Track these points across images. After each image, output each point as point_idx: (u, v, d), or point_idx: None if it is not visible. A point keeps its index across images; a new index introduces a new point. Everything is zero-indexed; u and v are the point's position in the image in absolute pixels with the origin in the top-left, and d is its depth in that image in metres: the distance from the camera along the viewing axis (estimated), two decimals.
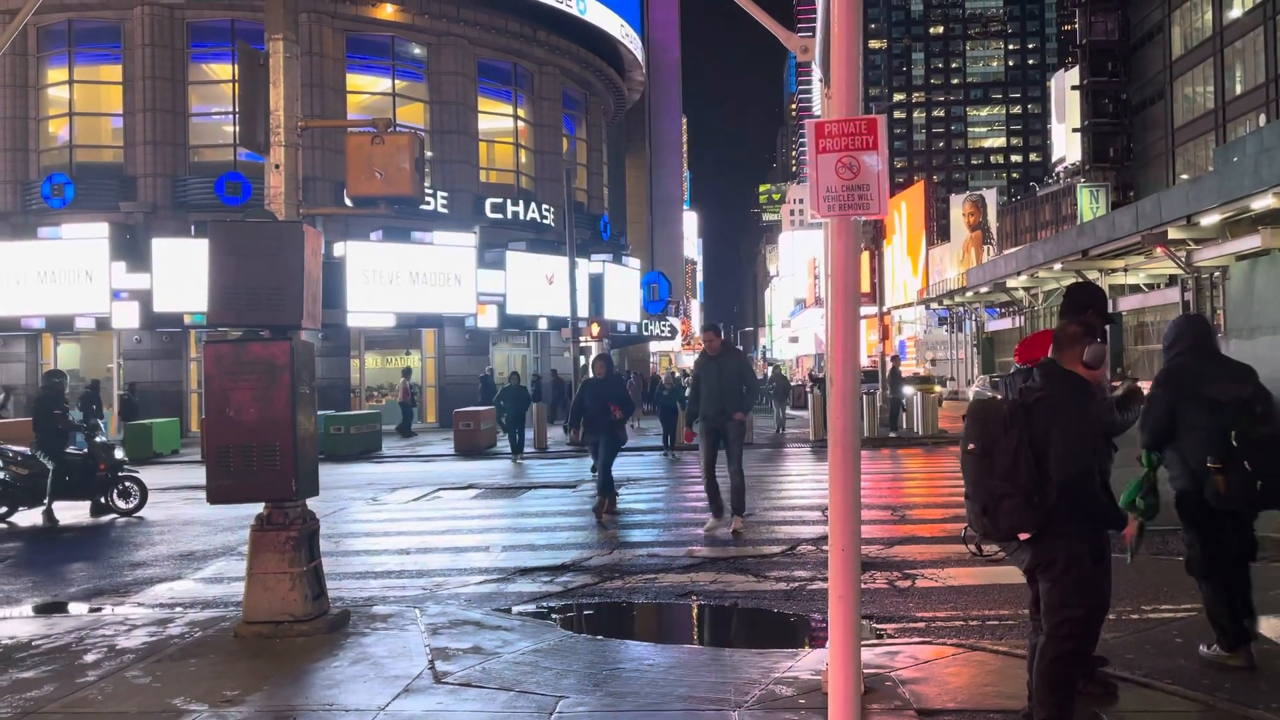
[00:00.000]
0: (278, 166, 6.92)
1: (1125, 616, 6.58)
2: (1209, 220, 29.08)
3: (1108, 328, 5.04)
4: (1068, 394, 4.08)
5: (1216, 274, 34.92)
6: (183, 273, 25.78)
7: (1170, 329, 5.63)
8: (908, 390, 31.04)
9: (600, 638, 6.63)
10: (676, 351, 73.11)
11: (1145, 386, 5.37)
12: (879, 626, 6.74)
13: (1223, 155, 33.23)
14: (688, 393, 11.58)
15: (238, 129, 7.55)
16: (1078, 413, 4.05)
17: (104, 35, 30.07)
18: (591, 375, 12.97)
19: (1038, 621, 4.40)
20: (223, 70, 30.50)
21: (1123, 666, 5.28)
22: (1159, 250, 32.28)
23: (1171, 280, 39.50)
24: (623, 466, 19.15)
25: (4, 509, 12.85)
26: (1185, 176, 50.16)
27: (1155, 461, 5.45)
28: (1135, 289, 43.67)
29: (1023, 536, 4.05)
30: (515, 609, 7.47)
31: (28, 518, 12.86)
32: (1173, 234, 31.05)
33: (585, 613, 7.53)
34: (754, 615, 7.31)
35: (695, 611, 7.54)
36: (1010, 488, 3.98)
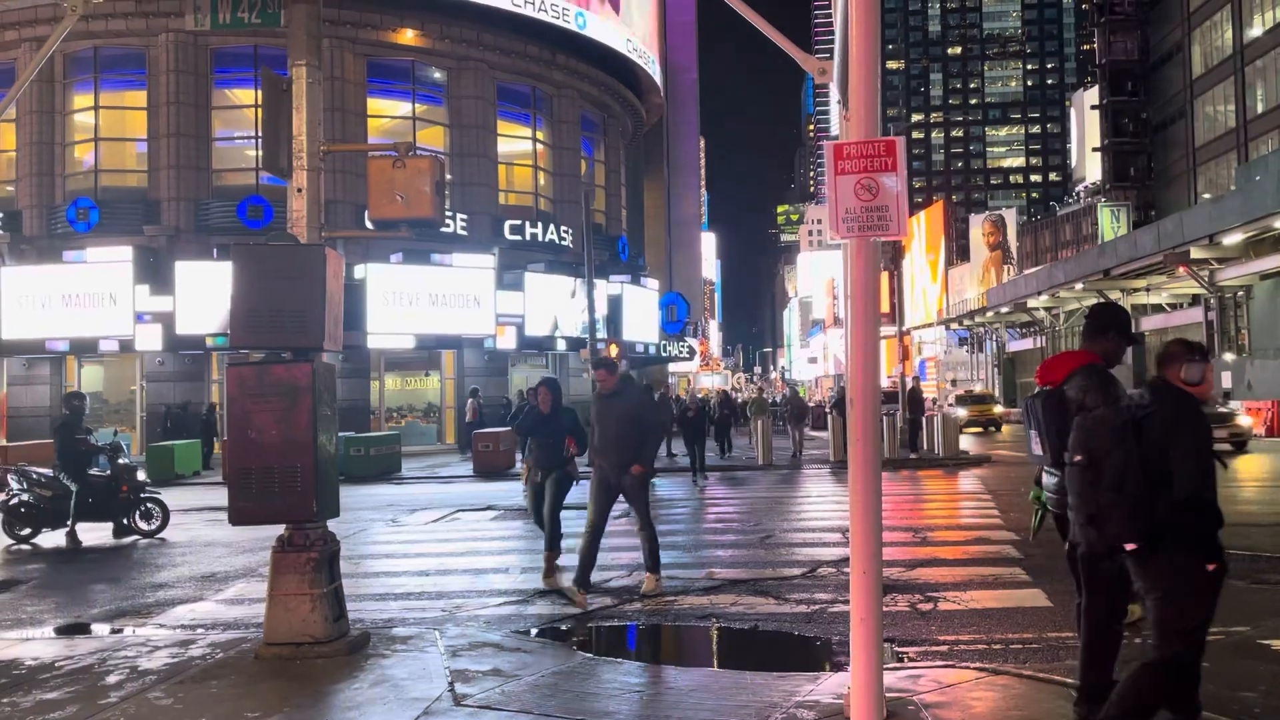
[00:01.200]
0: (300, 190, 6.98)
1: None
2: (1232, 239, 28.91)
3: (1131, 348, 5.04)
4: (1184, 410, 4.12)
5: (1240, 293, 34.65)
6: (205, 295, 26.01)
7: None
8: (960, 412, 30.89)
9: (620, 660, 6.60)
10: (695, 372, 73.10)
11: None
12: (901, 650, 6.68)
13: (1245, 174, 33.04)
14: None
15: (260, 153, 7.63)
16: (1195, 428, 4.08)
17: (129, 62, 30.52)
18: (532, 403, 10.57)
19: (1078, 582, 4.84)
20: (245, 95, 30.86)
21: None
22: (1181, 270, 32.10)
23: (1194, 300, 39.23)
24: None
25: (28, 530, 12.95)
26: (1207, 196, 49.87)
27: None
28: (1158, 309, 43.38)
29: (1129, 547, 4.08)
30: (534, 631, 7.45)
31: (51, 539, 12.94)
32: (1195, 253, 30.88)
33: (605, 635, 7.50)
34: (775, 638, 7.26)
35: (716, 634, 7.49)
36: (1118, 498, 4.03)
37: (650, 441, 8.72)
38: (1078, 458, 4.20)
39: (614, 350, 29.13)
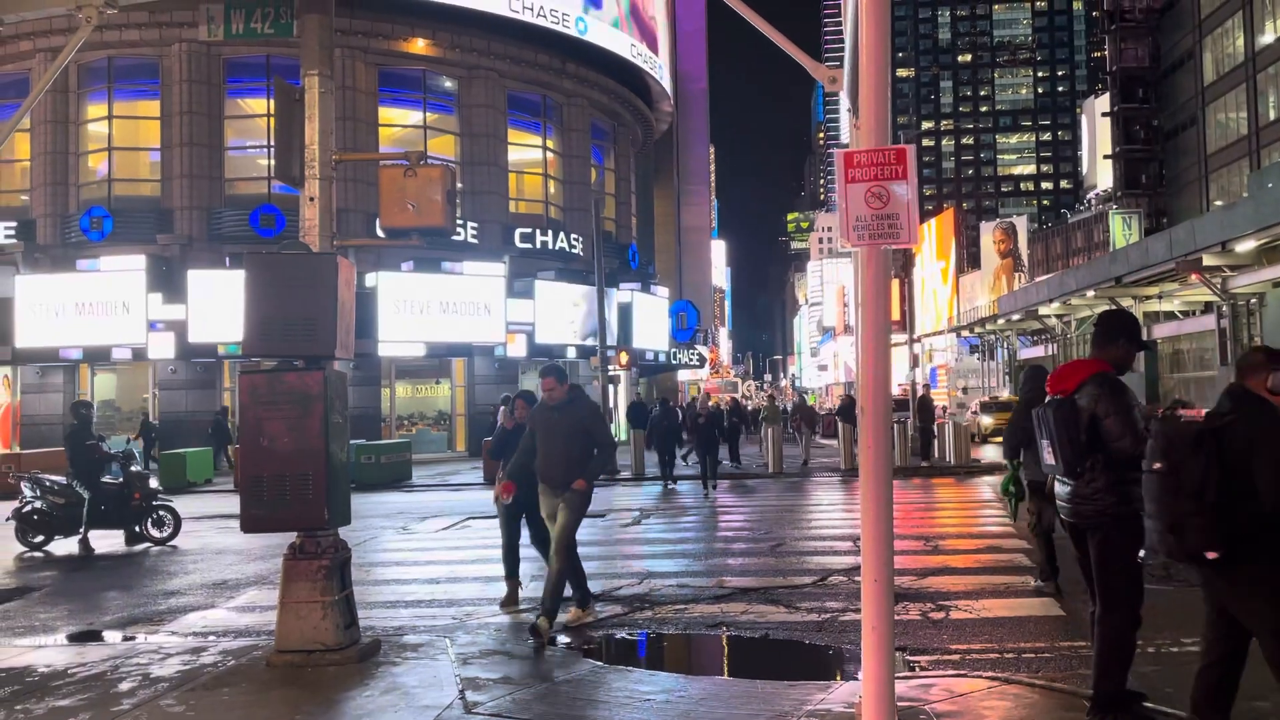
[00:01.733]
0: (312, 199, 7.01)
1: (1164, 649, 6.47)
2: (1244, 246, 28.76)
3: (1141, 354, 5.03)
4: (1266, 421, 4.09)
5: (1253, 300, 34.46)
6: (217, 304, 26.14)
7: (1025, 376, 8.99)
8: (985, 420, 30.51)
9: (630, 668, 6.59)
10: (705, 380, 73.04)
11: (1190, 414, 5.39)
12: (912, 659, 6.66)
13: (1257, 181, 32.91)
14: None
15: (273, 163, 7.67)
16: (1276, 439, 4.04)
17: (143, 72, 30.73)
18: (502, 418, 9.89)
19: (1092, 590, 4.95)
20: (258, 105, 31.04)
21: (1161, 700, 5.17)
22: (1193, 277, 31.94)
23: (1207, 307, 39.01)
24: (652, 496, 19.13)
25: (41, 538, 13.01)
26: (1219, 203, 49.69)
27: (1016, 465, 8.95)
28: (1170, 316, 43.18)
29: (1210, 555, 4.07)
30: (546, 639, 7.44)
31: (64, 546, 13.00)
32: (1207, 260, 30.73)
33: (615, 643, 7.49)
34: (786, 647, 7.24)
35: (726, 643, 7.48)
36: (1198, 506, 4.02)
37: (600, 457, 7.84)
38: (1156, 465, 4.17)
39: (624, 358, 29.19)
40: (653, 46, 41.80)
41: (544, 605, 7.33)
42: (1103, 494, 4.82)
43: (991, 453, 26.21)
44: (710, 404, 32.96)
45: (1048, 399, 5.14)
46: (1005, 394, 53.90)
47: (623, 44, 38.89)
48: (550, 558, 7.66)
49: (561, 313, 32.94)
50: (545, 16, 34.04)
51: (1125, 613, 4.83)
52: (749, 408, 49.96)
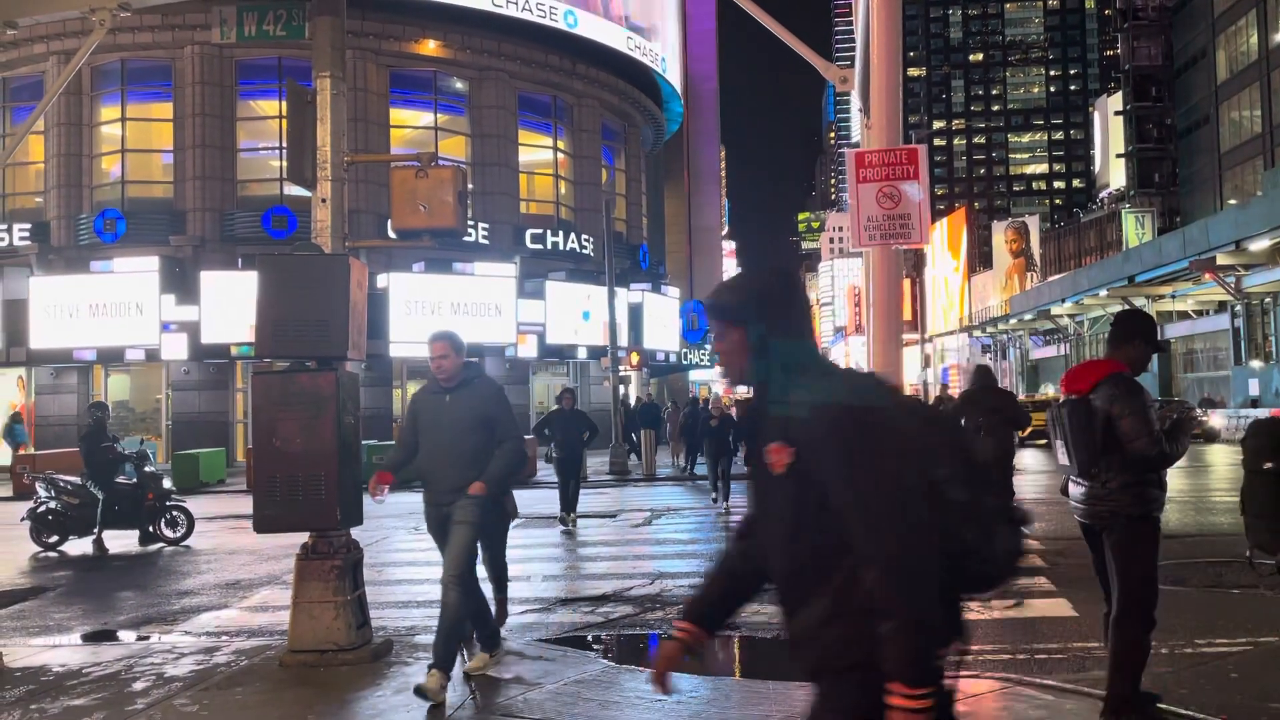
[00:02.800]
0: (324, 201, 7.04)
1: (1178, 650, 6.43)
2: (1258, 245, 28.63)
3: (1156, 355, 4.99)
4: None
5: (1267, 300, 34.29)
6: (230, 305, 26.24)
7: (974, 372, 11.68)
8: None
9: (641, 669, 6.60)
10: (715, 380, 72.96)
11: (1201, 415, 5.37)
12: None
13: (1272, 179, 32.73)
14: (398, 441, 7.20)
15: (285, 164, 7.68)
16: None
17: (155, 74, 30.86)
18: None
19: (1106, 591, 4.96)
20: (270, 107, 31.15)
21: (1175, 702, 5.15)
22: (1207, 276, 31.83)
23: (1221, 306, 38.84)
24: (663, 497, 19.12)
25: (56, 538, 13.09)
26: (1233, 201, 49.42)
27: None
28: (1183, 315, 42.98)
29: None
30: (556, 639, 7.45)
31: (78, 546, 13.07)
32: (1221, 259, 30.61)
33: (626, 644, 7.50)
34: None
35: (737, 643, 7.48)
36: None
37: (510, 453, 6.01)
38: (1266, 464, 4.16)
39: (635, 358, 29.15)
40: (648, 36, 40.68)
41: (435, 654, 5.73)
42: (1117, 494, 4.80)
43: (1031, 459, 25.70)
44: (724, 404, 32.79)
45: (1063, 399, 5.12)
46: (1048, 389, 53.27)
47: (617, 36, 37.98)
48: (443, 587, 5.88)
49: (572, 313, 32.95)
50: (531, 11, 33.48)
51: (1140, 614, 4.81)
52: None
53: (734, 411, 20.33)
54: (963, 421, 10.71)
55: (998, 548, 2.31)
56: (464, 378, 6.07)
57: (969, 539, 2.27)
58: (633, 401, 32.81)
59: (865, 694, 2.17)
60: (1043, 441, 27.00)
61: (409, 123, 33.44)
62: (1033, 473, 22.12)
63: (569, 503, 14.39)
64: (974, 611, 7.93)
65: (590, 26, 35.97)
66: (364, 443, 16.34)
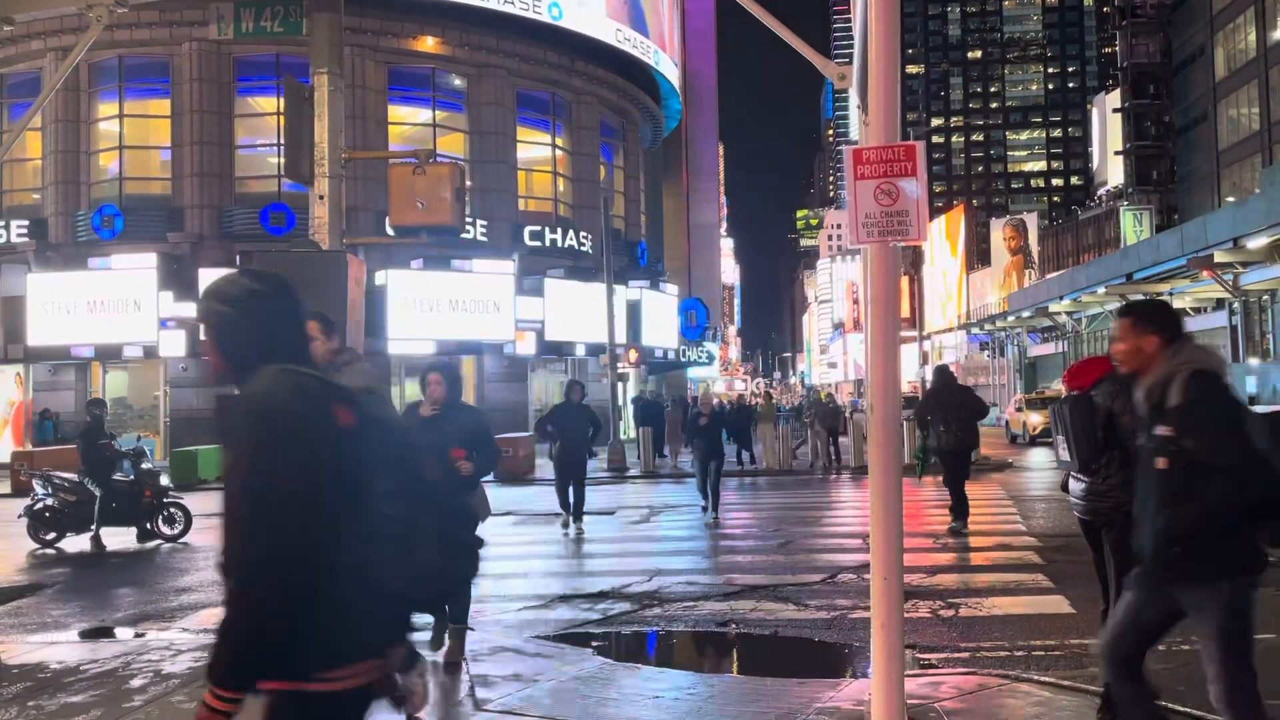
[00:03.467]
0: (322, 198, 7.03)
1: (1175, 647, 6.43)
2: (1256, 243, 28.65)
3: None
4: None
5: (1264, 297, 34.32)
6: None
7: (935, 371, 13.85)
8: (1034, 418, 29.63)
9: (640, 665, 6.60)
10: (714, 378, 73.03)
11: None
12: (922, 656, 6.64)
13: (1269, 177, 32.73)
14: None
15: (282, 161, 7.66)
16: None
17: (153, 70, 30.82)
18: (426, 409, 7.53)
19: (1104, 587, 5.08)
20: (268, 104, 31.08)
21: (1174, 699, 5.15)
22: (1205, 274, 31.81)
23: (1218, 304, 38.86)
24: (661, 495, 19.13)
25: (53, 535, 13.07)
26: (1231, 199, 49.45)
27: (926, 434, 12.57)
28: (1181, 313, 43.01)
29: None
30: (555, 636, 7.45)
31: (76, 543, 13.05)
32: (1219, 257, 30.62)
33: (625, 641, 7.50)
34: (795, 644, 7.23)
35: (735, 640, 7.48)
36: None
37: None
38: None
39: (633, 355, 29.19)
40: (640, 29, 40.04)
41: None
42: (1118, 490, 4.80)
43: (1039, 456, 25.46)
44: (715, 401, 32.49)
45: (1064, 395, 5.12)
46: (1057, 386, 52.84)
47: (606, 29, 37.23)
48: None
49: (571, 310, 32.94)
50: (514, 4, 32.82)
51: None
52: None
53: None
54: (929, 417, 12.47)
55: (418, 566, 2.38)
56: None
57: (387, 554, 2.33)
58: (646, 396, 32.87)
59: None
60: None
61: (407, 119, 33.40)
62: (1037, 470, 22.15)
63: (572, 506, 13.03)
64: (972, 608, 7.94)
65: (576, 18, 35.19)
66: None
